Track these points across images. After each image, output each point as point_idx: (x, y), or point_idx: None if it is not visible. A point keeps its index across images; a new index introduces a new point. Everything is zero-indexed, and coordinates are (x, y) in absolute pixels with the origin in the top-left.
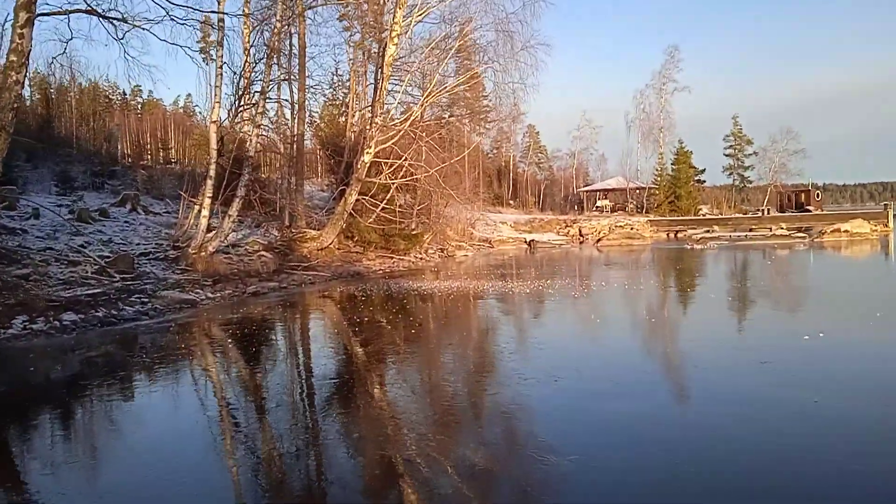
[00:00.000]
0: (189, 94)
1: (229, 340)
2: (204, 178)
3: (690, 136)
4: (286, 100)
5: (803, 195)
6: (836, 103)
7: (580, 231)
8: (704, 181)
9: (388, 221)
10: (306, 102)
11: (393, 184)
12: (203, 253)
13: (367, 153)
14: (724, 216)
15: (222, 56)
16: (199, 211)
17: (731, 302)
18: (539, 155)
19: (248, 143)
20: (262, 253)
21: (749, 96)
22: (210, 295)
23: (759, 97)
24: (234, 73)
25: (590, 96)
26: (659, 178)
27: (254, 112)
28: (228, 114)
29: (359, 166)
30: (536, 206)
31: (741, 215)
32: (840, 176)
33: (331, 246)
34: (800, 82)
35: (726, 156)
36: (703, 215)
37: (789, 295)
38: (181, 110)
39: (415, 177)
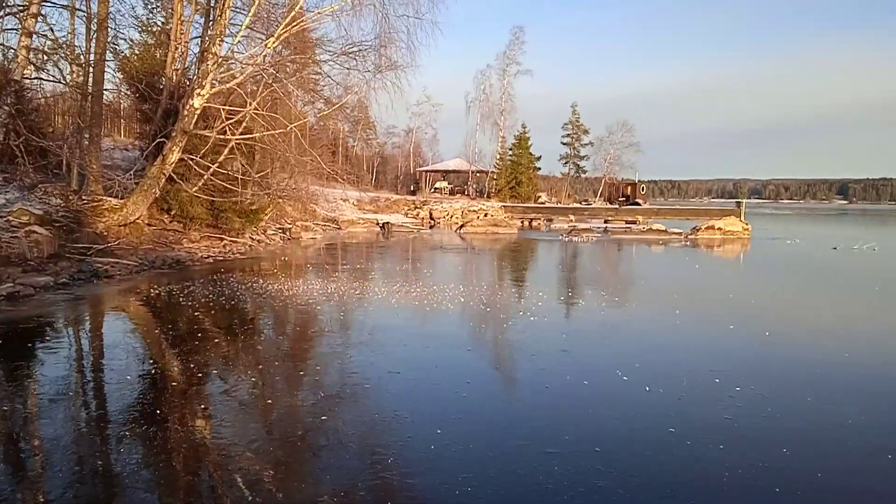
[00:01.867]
0: None
1: None
2: None
3: (529, 122)
4: (82, 10)
5: (630, 188)
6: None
7: (431, 214)
8: (540, 168)
9: (221, 191)
10: (110, 18)
11: (231, 141)
12: None
13: (199, 95)
14: (580, 206)
15: None
16: None
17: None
18: (368, 131)
19: (12, 64)
20: (34, 228)
21: (588, 86)
22: None
23: (596, 88)
24: None
25: (427, 73)
26: (500, 163)
27: (24, 16)
28: None
29: (185, 113)
30: (371, 184)
31: (599, 206)
32: (630, 172)
33: (140, 221)
34: (625, 79)
35: (563, 144)
36: (543, 203)
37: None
38: None
39: (266, 133)
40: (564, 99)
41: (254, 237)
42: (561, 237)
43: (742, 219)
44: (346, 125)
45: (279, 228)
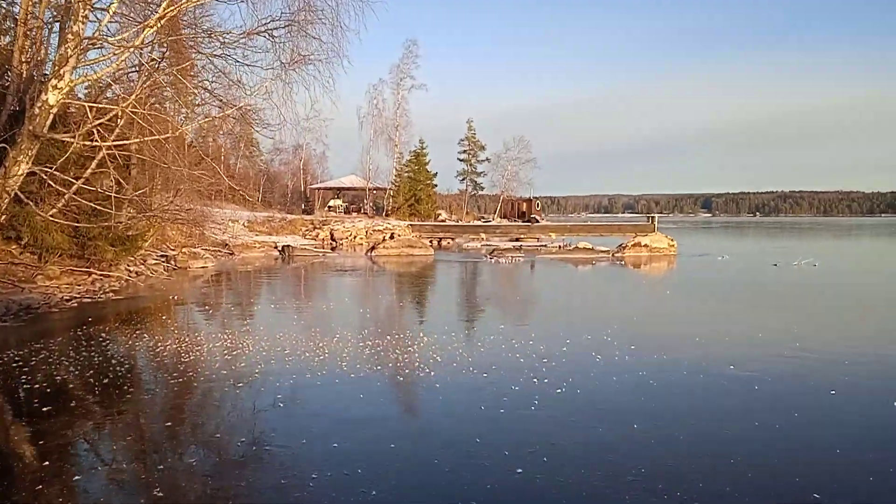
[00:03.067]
0: None
1: None
2: None
3: (424, 137)
4: None
5: (525, 205)
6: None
7: (332, 234)
8: (437, 185)
9: (88, 214)
10: None
11: (101, 149)
12: None
13: (56, 88)
14: (491, 224)
15: None
16: None
17: None
18: (251, 148)
19: None
20: None
21: (484, 102)
22: None
23: (492, 104)
24: None
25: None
26: (398, 179)
27: None
28: None
29: (37, 111)
30: (258, 203)
31: (510, 224)
32: (527, 189)
33: None
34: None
35: (460, 160)
36: (444, 221)
37: None
38: None
39: (145, 139)
40: (459, 114)
41: (131, 269)
42: (485, 258)
43: (660, 234)
44: (227, 140)
45: (162, 257)
